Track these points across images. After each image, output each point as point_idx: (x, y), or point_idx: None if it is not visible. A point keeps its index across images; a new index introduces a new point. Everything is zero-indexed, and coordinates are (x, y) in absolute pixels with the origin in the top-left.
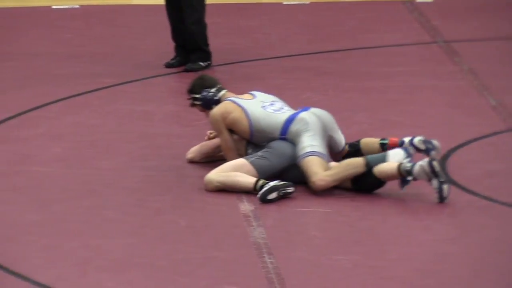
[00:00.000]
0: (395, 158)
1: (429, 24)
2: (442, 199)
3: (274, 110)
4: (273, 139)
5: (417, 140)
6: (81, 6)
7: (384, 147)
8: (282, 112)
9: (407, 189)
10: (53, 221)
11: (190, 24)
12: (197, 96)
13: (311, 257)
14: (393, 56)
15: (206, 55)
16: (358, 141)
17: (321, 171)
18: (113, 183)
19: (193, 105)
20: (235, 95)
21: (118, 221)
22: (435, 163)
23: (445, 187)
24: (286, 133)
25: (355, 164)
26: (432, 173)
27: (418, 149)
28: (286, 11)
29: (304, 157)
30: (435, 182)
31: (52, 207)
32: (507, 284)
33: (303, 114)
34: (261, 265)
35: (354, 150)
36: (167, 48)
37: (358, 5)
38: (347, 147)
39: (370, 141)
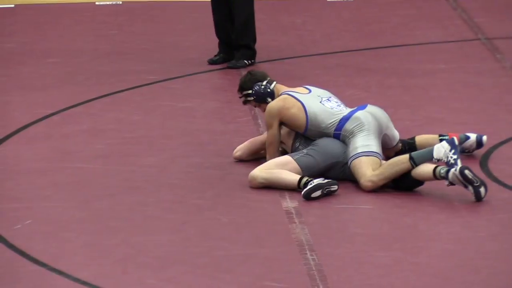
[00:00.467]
0: (440, 152)
1: (471, 21)
2: (478, 200)
3: (331, 106)
4: (326, 134)
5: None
6: (124, 2)
7: None
8: (339, 110)
9: (447, 187)
10: (94, 218)
11: (239, 22)
12: (249, 92)
13: (353, 254)
14: (436, 53)
15: (251, 53)
16: (413, 139)
17: (369, 172)
18: (154, 180)
19: (246, 102)
20: (287, 88)
21: (159, 218)
22: (466, 172)
23: (481, 190)
24: (341, 130)
25: (400, 161)
26: (465, 181)
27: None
28: (330, 8)
29: (355, 158)
30: (470, 188)
31: (93, 204)
32: None
33: (359, 113)
34: (303, 262)
35: (409, 147)
36: (211, 45)
37: (402, 2)
38: (400, 144)
39: (428, 137)
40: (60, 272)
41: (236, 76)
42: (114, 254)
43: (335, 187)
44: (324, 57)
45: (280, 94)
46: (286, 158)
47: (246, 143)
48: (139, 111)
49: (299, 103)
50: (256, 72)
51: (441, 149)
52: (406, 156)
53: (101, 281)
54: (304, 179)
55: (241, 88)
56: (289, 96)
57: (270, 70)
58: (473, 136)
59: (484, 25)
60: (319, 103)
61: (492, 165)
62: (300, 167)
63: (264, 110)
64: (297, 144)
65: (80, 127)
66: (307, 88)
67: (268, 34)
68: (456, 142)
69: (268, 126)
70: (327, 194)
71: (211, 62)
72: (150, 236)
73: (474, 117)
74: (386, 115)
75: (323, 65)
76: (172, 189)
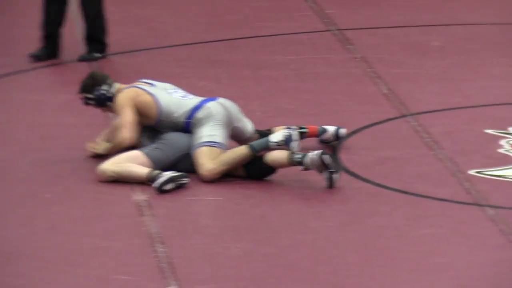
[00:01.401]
0: (277, 135)
1: (322, 12)
2: (330, 187)
3: (180, 96)
4: (178, 124)
5: (343, 131)
6: None
7: (303, 136)
8: (190, 99)
9: (299, 175)
10: None
11: (90, 15)
12: (90, 96)
13: (204, 246)
14: (287, 44)
15: (102, 46)
16: (270, 130)
17: (208, 162)
18: (3, 174)
19: (87, 103)
20: (130, 86)
21: (8, 212)
22: (325, 157)
23: (335, 176)
24: (192, 118)
25: (239, 149)
26: (323, 166)
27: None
28: (182, 0)
29: (197, 147)
30: (325, 173)
31: None
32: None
33: (210, 104)
34: (153, 254)
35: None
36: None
37: None
38: (257, 136)
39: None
40: None
41: (87, 69)
42: None
43: (186, 180)
44: (176, 49)
45: (123, 89)
46: (136, 152)
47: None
48: None
49: (149, 95)
50: (97, 74)
51: (278, 134)
52: (244, 146)
53: None
54: (154, 172)
55: (82, 91)
56: (138, 88)
57: (123, 62)
58: (331, 129)
59: (335, 16)
60: (167, 95)
61: (342, 155)
62: (151, 161)
63: (104, 111)
64: (145, 140)
65: None
66: (147, 83)
67: (120, 26)
68: (294, 137)
69: (121, 107)
70: (179, 186)
71: (34, 56)
72: None
73: (326, 108)
74: (237, 107)
75: (174, 57)
76: (21, 183)
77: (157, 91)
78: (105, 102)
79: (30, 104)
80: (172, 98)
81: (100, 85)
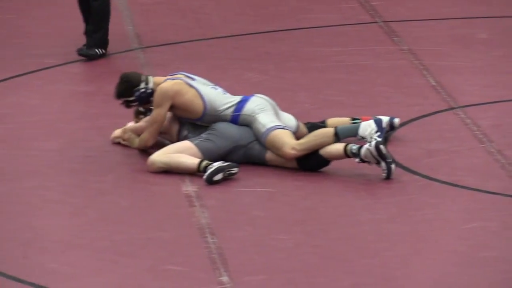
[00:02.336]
0: (366, 130)
1: (368, 4)
2: (388, 177)
3: (221, 92)
4: (223, 118)
5: (397, 120)
6: None
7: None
8: (230, 95)
9: (349, 169)
10: None
11: (96, 11)
12: (131, 99)
13: (254, 237)
14: (333, 36)
15: (104, 43)
16: (324, 122)
17: (292, 140)
18: (54, 164)
19: (129, 106)
20: (166, 77)
21: (60, 202)
22: (382, 147)
23: (393, 167)
24: (241, 110)
25: (324, 134)
26: (379, 156)
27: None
28: None
29: (270, 131)
30: (383, 165)
31: None
32: (451, 263)
33: (256, 97)
34: (204, 245)
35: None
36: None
37: None
38: (305, 128)
39: (339, 120)
40: None
41: (135, 60)
42: (14, 239)
43: (235, 170)
44: (222, 40)
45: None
46: (186, 143)
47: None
48: (38, 95)
49: (193, 89)
50: (130, 76)
51: (367, 128)
52: (331, 130)
53: (1, 266)
54: (204, 163)
55: (121, 96)
56: (183, 82)
57: (169, 53)
58: (385, 119)
59: (381, 7)
60: (211, 88)
61: (390, 147)
62: (201, 152)
63: (149, 107)
64: (185, 133)
65: None
66: (189, 76)
67: (166, 18)
68: (384, 124)
69: (157, 106)
70: (228, 176)
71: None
72: (50, 220)
73: (373, 100)
74: (274, 103)
75: (221, 49)
76: (72, 173)
77: (199, 85)
78: (148, 99)
79: (78, 95)
80: (215, 92)
81: (137, 85)
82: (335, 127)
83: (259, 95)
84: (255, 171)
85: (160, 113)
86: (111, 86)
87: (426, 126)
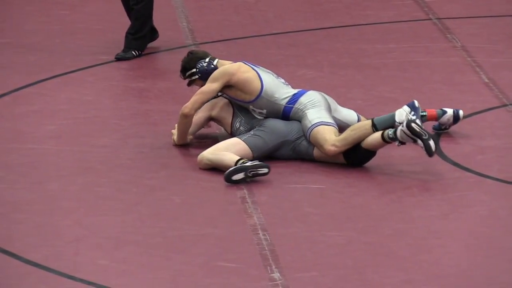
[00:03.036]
0: (402, 115)
1: (422, 1)
2: (430, 155)
3: (281, 81)
4: (276, 106)
5: (462, 113)
6: None
7: (424, 120)
8: (289, 86)
9: (401, 165)
10: (46, 199)
11: (136, 12)
12: (193, 71)
13: (305, 233)
14: (388, 33)
15: (141, 43)
16: None
17: (332, 137)
18: (107, 161)
19: (191, 82)
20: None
21: (112, 198)
22: (413, 125)
23: (431, 143)
24: (295, 103)
25: (362, 126)
26: (414, 135)
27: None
28: None
29: (314, 127)
30: (420, 142)
31: (45, 184)
32: (505, 260)
33: (311, 92)
34: (256, 242)
35: None
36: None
37: None
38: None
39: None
40: (11, 254)
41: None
42: (66, 235)
43: (264, 170)
44: (276, 36)
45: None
46: (235, 139)
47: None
48: (92, 91)
49: (254, 71)
50: (197, 50)
51: (403, 112)
52: (369, 121)
53: (53, 262)
54: (241, 161)
55: (184, 69)
56: (244, 64)
57: (224, 49)
58: (449, 111)
59: (435, 5)
60: (272, 75)
61: (443, 144)
62: (250, 148)
63: None
64: (237, 125)
65: (32, 108)
66: (250, 65)
67: (220, 14)
68: (417, 104)
69: (213, 80)
70: (253, 177)
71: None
72: (102, 216)
73: (426, 97)
74: (331, 99)
75: (275, 45)
76: (124, 170)
77: (261, 71)
78: (210, 74)
79: (132, 91)
80: (275, 80)
81: (202, 58)
82: (372, 119)
83: (316, 91)
84: (306, 167)
85: (211, 86)
86: (164, 83)
87: (478, 123)
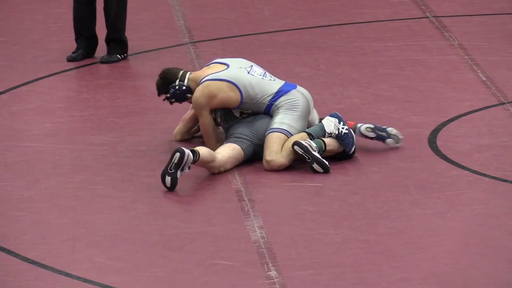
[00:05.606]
0: (330, 126)
1: None
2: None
3: (260, 74)
4: (261, 106)
5: (364, 128)
6: None
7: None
8: (269, 79)
9: (398, 163)
10: (43, 197)
11: (113, 15)
12: (167, 95)
13: (302, 231)
14: (385, 31)
15: (124, 46)
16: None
17: (276, 149)
18: (104, 159)
19: (171, 103)
20: (203, 72)
21: (109, 196)
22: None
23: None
24: (276, 101)
25: (299, 138)
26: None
27: (366, 137)
28: None
29: (273, 131)
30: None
31: (42, 182)
32: (501, 258)
33: (295, 92)
34: (253, 240)
35: None
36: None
37: None
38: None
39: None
40: (8, 251)
41: (186, 54)
42: (63, 233)
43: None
44: (272, 34)
45: (200, 82)
46: (234, 146)
47: (180, 125)
48: (88, 89)
49: (225, 83)
50: (166, 73)
51: (331, 123)
52: (303, 134)
53: (50, 260)
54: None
55: (160, 93)
56: (212, 82)
57: (220, 47)
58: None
59: (432, 3)
60: (247, 74)
61: (440, 142)
62: (245, 156)
63: (191, 102)
64: (218, 120)
65: (29, 106)
66: (223, 64)
67: (217, 12)
68: (338, 113)
69: (199, 116)
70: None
71: (71, 59)
72: (99, 214)
73: (422, 95)
74: (312, 100)
75: (271, 43)
76: (121, 168)
77: (235, 72)
78: (185, 96)
79: (128, 89)
80: (253, 78)
81: (172, 82)
82: (305, 130)
83: (300, 89)
84: (303, 165)
85: (203, 122)
86: None
87: (476, 121)
